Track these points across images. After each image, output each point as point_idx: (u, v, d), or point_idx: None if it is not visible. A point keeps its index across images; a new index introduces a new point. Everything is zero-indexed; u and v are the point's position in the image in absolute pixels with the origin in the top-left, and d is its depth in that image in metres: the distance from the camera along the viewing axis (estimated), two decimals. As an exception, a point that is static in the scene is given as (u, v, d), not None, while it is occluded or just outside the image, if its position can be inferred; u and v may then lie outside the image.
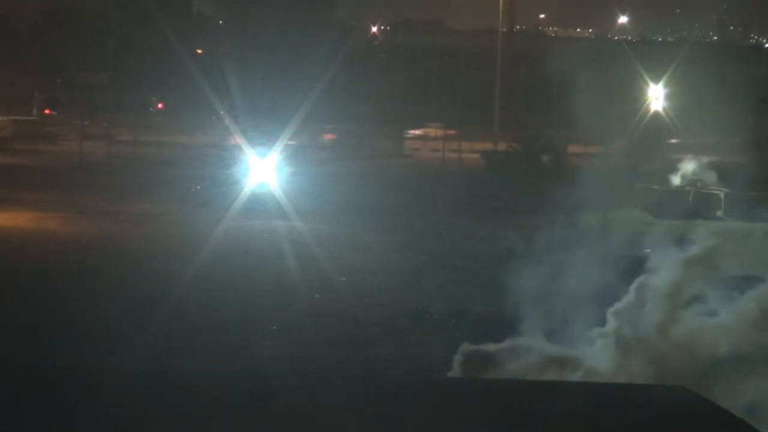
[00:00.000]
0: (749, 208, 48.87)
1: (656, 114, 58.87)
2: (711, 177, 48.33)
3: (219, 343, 24.40)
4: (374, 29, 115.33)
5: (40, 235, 39.29)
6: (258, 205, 44.88)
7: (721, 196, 50.25)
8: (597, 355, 20.34)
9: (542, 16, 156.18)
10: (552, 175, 56.30)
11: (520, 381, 17.92)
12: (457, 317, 27.75)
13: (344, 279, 32.62)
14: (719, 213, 50.21)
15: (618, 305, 20.96)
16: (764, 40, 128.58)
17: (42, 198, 48.69)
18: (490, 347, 20.90)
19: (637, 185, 52.55)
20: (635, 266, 25.01)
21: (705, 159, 49.33)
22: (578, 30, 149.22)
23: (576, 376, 19.31)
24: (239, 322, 26.41)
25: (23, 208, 45.22)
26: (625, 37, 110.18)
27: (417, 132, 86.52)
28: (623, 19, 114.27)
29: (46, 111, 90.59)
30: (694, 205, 50.41)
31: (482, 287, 31.25)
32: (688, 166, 50.76)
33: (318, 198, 47.15)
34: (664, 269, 21.25)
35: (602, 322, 20.95)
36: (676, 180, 51.34)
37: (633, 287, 21.19)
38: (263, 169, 47.55)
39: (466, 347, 21.01)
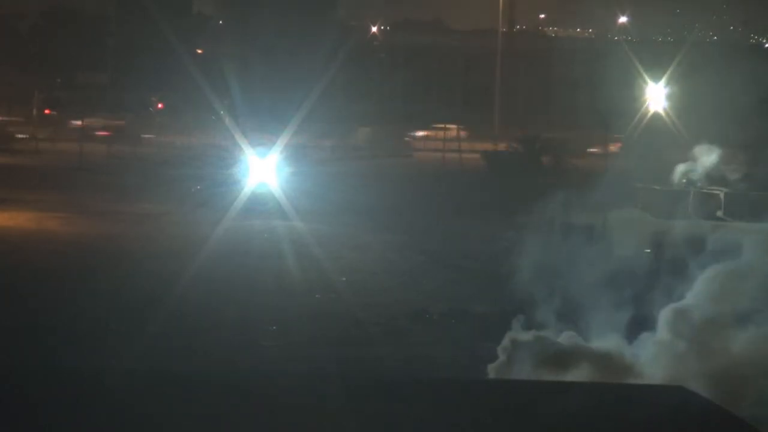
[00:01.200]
0: (749, 208, 48.98)
1: (656, 114, 58.96)
2: (734, 173, 48.12)
3: (219, 343, 24.41)
4: (374, 29, 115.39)
5: (40, 235, 39.30)
6: (258, 205, 44.92)
7: (721, 196, 50.29)
8: (650, 362, 18.67)
9: (542, 16, 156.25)
10: (552, 176, 56.41)
11: (520, 381, 17.91)
12: (458, 317, 27.78)
13: (344, 279, 32.63)
14: (719, 213, 50.27)
15: (676, 305, 19.16)
16: (764, 40, 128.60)
17: (42, 198, 48.73)
18: (548, 334, 19.44)
19: (636, 185, 52.64)
20: (642, 265, 24.96)
21: (710, 158, 49.27)
22: (578, 30, 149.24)
23: (628, 380, 17.97)
24: (239, 322, 26.41)
25: (23, 208, 45.24)
26: (625, 37, 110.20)
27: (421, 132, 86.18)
28: (623, 19, 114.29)
29: (46, 111, 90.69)
30: (694, 205, 50.46)
31: (483, 287, 31.30)
32: (690, 165, 50.77)
33: (318, 198, 47.19)
34: (744, 258, 19.10)
35: (621, 323, 19.76)
36: (676, 179, 51.39)
37: (699, 284, 19.13)
38: (263, 169, 47.59)
39: (522, 334, 19.47)
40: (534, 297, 26.81)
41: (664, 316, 19.21)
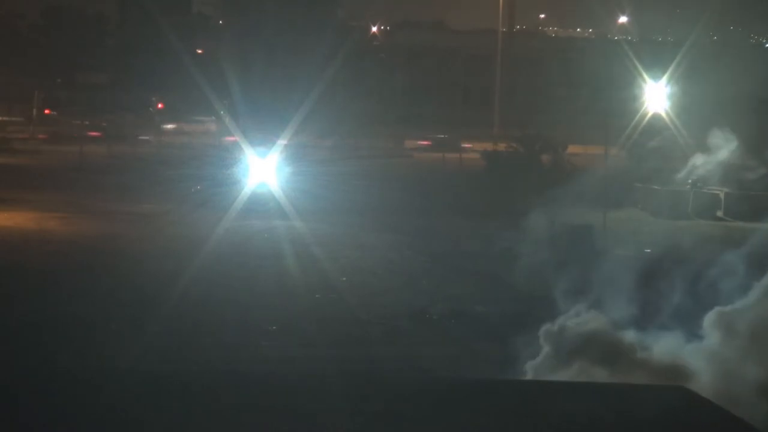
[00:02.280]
0: (749, 208, 49.03)
1: (656, 114, 58.94)
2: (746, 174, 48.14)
3: (219, 343, 24.40)
4: (374, 29, 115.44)
5: (40, 234, 39.29)
6: (258, 205, 44.92)
7: (721, 195, 50.32)
8: (699, 370, 17.55)
9: (542, 16, 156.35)
10: (552, 175, 56.39)
11: (520, 381, 17.89)
12: (458, 317, 27.77)
13: (344, 279, 32.62)
14: (719, 213, 50.29)
15: (724, 309, 18.07)
16: (764, 40, 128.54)
17: (42, 198, 48.73)
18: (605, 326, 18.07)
19: (636, 185, 52.67)
20: (644, 266, 24.90)
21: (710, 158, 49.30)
22: (578, 30, 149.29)
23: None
24: (239, 322, 26.41)
25: (23, 208, 45.24)
26: (625, 37, 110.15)
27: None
28: (623, 19, 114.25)
29: (46, 111, 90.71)
30: (694, 205, 50.50)
31: (483, 287, 31.30)
32: (692, 165, 50.81)
33: (318, 198, 47.18)
34: None
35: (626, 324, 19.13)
36: (676, 179, 51.40)
37: (757, 288, 17.82)
38: (263, 169, 47.60)
39: (575, 320, 18.11)
40: (534, 297, 26.81)
41: (710, 319, 18.24)
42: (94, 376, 13.71)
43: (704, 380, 17.45)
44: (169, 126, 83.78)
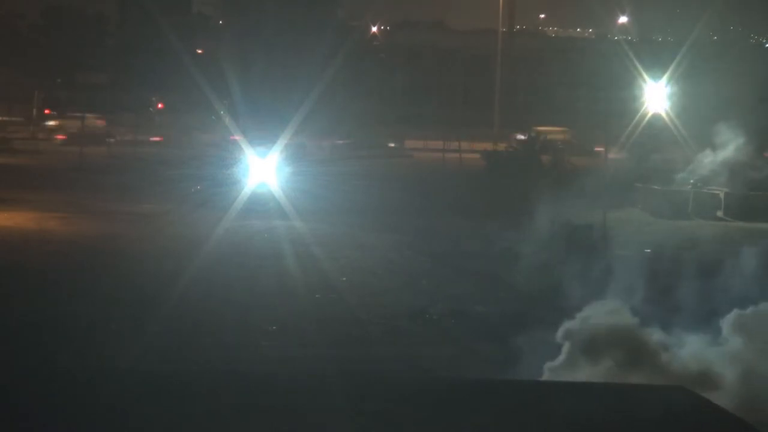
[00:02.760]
0: (749, 208, 49.04)
1: (656, 114, 58.95)
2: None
3: (219, 343, 24.40)
4: (374, 29, 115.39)
5: (40, 234, 39.29)
6: (258, 205, 44.92)
7: (721, 195, 50.31)
8: (722, 372, 17.34)
9: (542, 16, 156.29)
10: (552, 175, 56.39)
11: (520, 381, 17.89)
12: (458, 317, 27.77)
13: (344, 279, 32.61)
14: (719, 213, 50.29)
15: (743, 312, 17.93)
16: (764, 40, 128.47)
17: (42, 198, 48.73)
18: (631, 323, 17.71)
19: (636, 185, 52.68)
20: (644, 266, 24.92)
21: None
22: (578, 30, 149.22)
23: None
24: (239, 323, 26.41)
25: (23, 208, 45.24)
26: (625, 37, 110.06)
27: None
28: (623, 19, 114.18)
29: (46, 111, 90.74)
30: (694, 205, 50.50)
31: (482, 287, 31.29)
32: (692, 165, 50.80)
33: (318, 198, 47.18)
34: None
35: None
36: (676, 179, 51.38)
37: None
38: (263, 169, 47.61)
39: (598, 311, 17.77)
40: (534, 296, 26.83)
41: (729, 322, 18.03)
42: (94, 376, 13.71)
43: (727, 382, 17.33)
44: (51, 123, 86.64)
